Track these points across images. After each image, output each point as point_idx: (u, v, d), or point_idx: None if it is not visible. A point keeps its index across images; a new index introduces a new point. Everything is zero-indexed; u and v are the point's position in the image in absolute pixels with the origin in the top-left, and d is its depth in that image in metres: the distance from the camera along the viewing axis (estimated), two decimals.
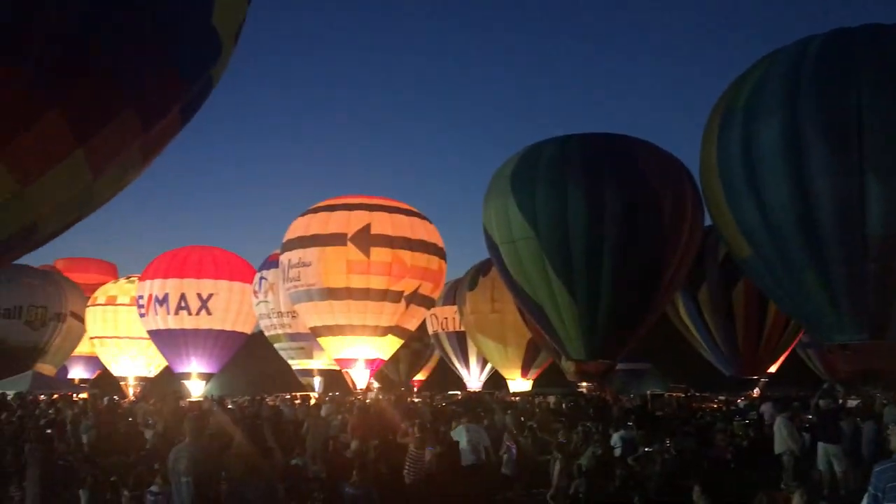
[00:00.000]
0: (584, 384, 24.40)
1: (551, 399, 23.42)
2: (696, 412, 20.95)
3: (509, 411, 18.36)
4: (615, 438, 13.66)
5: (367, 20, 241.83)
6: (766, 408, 18.16)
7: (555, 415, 18.17)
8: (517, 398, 26.30)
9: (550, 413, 18.58)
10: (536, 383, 33.59)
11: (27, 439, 12.49)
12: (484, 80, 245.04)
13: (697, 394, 29.12)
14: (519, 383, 32.86)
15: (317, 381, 33.98)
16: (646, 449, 13.02)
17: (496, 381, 34.40)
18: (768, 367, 26.91)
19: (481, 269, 32.19)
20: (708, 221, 21.50)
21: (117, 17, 7.97)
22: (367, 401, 21.79)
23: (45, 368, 34.91)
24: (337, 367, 30.10)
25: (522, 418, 17.20)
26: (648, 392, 28.56)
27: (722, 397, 27.14)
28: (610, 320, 21.13)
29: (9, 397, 22.58)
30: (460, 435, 12.10)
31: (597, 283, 20.58)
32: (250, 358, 39.24)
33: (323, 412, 17.73)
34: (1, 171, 7.88)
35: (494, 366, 33.68)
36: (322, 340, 29.33)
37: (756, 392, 27.07)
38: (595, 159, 21.00)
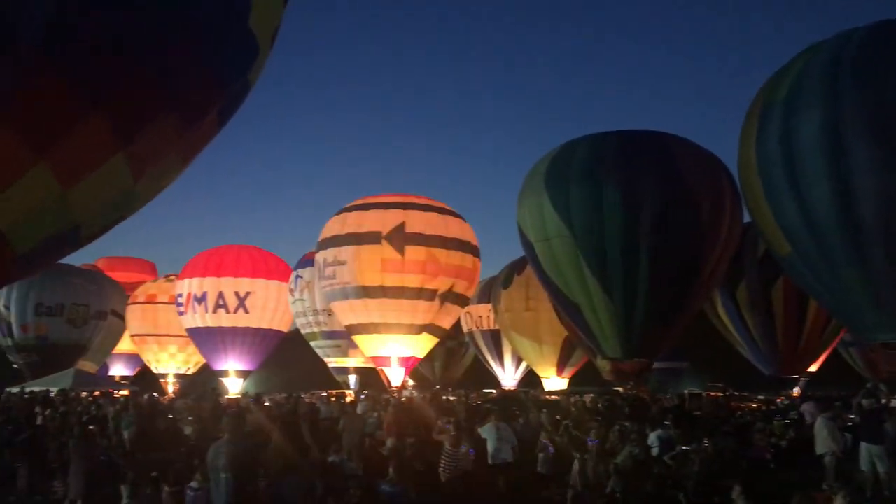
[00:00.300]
0: (620, 383, 24.21)
1: (587, 398, 23.28)
2: (734, 412, 20.69)
3: (545, 410, 18.29)
4: (652, 438, 13.52)
5: (401, 20, 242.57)
6: (806, 407, 17.87)
7: (591, 414, 18.03)
8: (553, 397, 26.18)
9: (586, 412, 18.44)
10: (572, 382, 33.41)
11: (70, 435, 12.75)
12: (518, 78, 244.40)
13: (736, 393, 28.73)
14: (554, 382, 32.71)
15: (352, 379, 34.21)
16: (683, 448, 12.89)
17: (531, 380, 34.28)
18: (809, 366, 26.46)
19: (516, 268, 32.10)
20: (747, 218, 21.20)
21: (157, 21, 8.10)
22: (403, 399, 21.88)
23: (87, 366, 35.59)
24: (372, 365, 30.26)
25: (558, 417, 17.12)
26: (686, 391, 28.26)
27: (761, 397, 26.76)
28: (646, 319, 20.95)
29: (52, 394, 23.03)
30: (489, 433, 12.11)
31: (633, 281, 20.42)
32: (286, 356, 39.61)
33: (358, 410, 17.84)
34: (45, 173, 8.06)
35: (529, 364, 33.58)
36: (357, 339, 29.50)
37: (796, 391, 26.65)
38: (631, 156, 20.82)
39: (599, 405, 20.69)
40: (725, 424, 16.35)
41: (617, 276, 20.47)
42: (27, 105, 7.71)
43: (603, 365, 23.41)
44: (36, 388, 25.48)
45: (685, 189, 20.47)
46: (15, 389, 26.03)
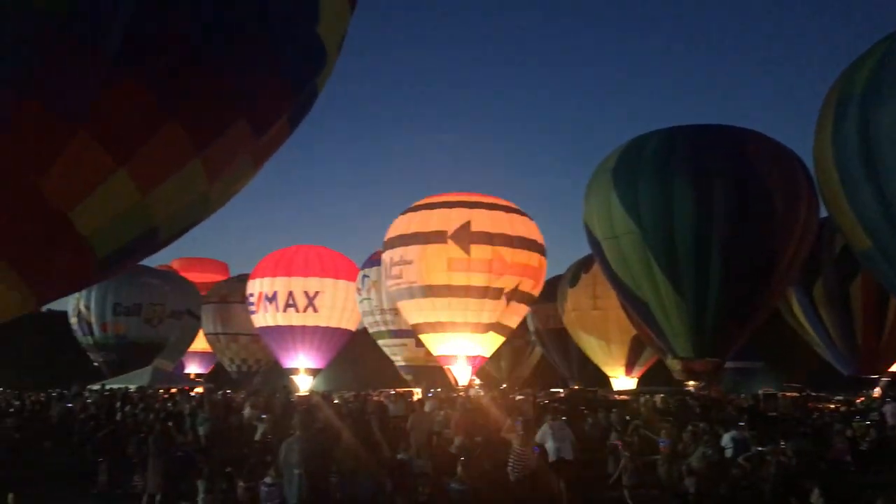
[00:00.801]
0: (692, 383, 23.73)
1: (657, 398, 22.89)
2: (812, 412, 20.05)
3: (614, 410, 18.07)
4: (726, 439, 13.23)
5: (463, 18, 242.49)
6: (889, 408, 17.20)
7: (661, 414, 17.74)
8: (622, 396, 25.83)
9: (657, 412, 18.15)
10: (641, 381, 32.84)
11: (149, 431, 13.14)
12: (585, 74, 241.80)
13: (813, 393, 27.80)
14: (623, 381, 32.24)
15: (419, 378, 34.40)
16: (758, 449, 12.56)
17: (599, 379, 33.85)
18: (890, 365, 25.46)
19: (583, 266, 31.76)
20: (823, 213, 20.51)
21: (229, 28, 8.31)
22: (470, 397, 21.89)
23: (164, 364, 36.68)
24: (439, 364, 30.37)
25: (627, 417, 16.90)
26: (760, 391, 27.48)
27: (840, 397, 25.83)
28: (718, 317, 20.47)
29: (131, 391, 23.78)
30: (545, 433, 12.04)
31: (705, 279, 19.98)
32: (354, 354, 40.10)
33: (426, 408, 17.92)
34: (124, 179, 8.36)
35: (597, 363, 33.16)
36: (423, 337, 29.66)
37: (877, 392, 25.63)
38: (702, 150, 20.39)
39: (670, 405, 20.34)
40: (803, 425, 15.90)
41: (688, 274, 20.07)
42: (108, 113, 8.00)
43: (673, 364, 22.98)
44: (115, 386, 26.34)
45: (759, 183, 19.95)
46: (96, 387, 26.99)
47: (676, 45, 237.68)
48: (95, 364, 36.55)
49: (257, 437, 15.17)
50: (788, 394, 27.37)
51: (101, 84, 7.85)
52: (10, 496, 8.64)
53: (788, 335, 26.53)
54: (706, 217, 19.79)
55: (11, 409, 18.25)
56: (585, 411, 18.18)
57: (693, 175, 20.01)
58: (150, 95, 8.05)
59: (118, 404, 19.19)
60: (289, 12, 8.94)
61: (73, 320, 36.02)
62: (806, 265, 22.30)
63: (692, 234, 19.85)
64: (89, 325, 35.61)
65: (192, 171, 8.89)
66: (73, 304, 35.84)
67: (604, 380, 33.41)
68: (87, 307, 35.44)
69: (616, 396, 26.47)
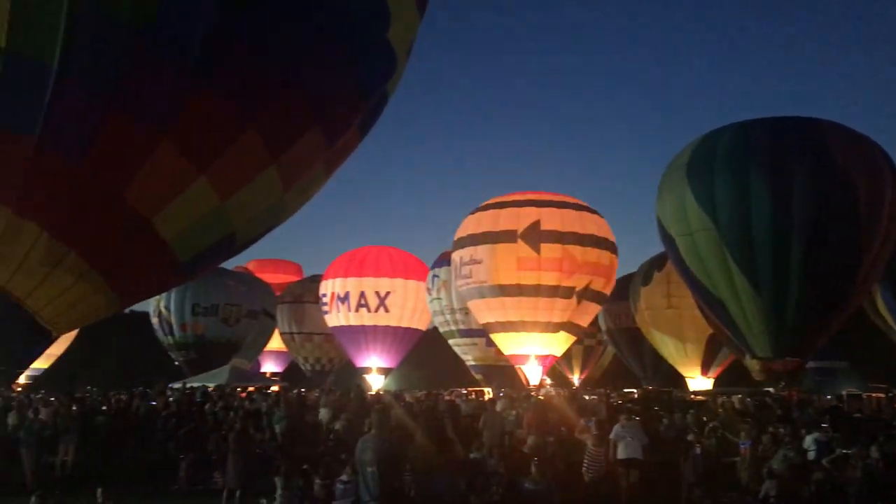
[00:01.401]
0: (771, 383, 23.05)
1: (735, 398, 22.31)
2: None
3: (690, 411, 17.70)
4: (808, 441, 12.84)
5: (537, 20, 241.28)
6: None
7: (740, 415, 17.27)
8: (698, 397, 25.27)
9: (735, 413, 17.67)
10: (718, 382, 32.09)
11: (229, 429, 13.46)
12: (653, 72, 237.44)
13: None
14: (699, 382, 31.53)
15: (489, 377, 34.38)
16: (843, 451, 12.12)
17: (674, 380, 33.20)
18: None
19: (655, 264, 31.21)
20: None
21: (305, 38, 8.50)
22: (541, 396, 21.74)
23: (241, 363, 37.57)
24: (509, 363, 30.30)
25: (704, 418, 16.52)
26: (844, 392, 26.53)
27: None
28: (799, 315, 19.81)
29: (210, 389, 24.37)
30: (616, 433, 11.89)
31: (785, 276, 19.36)
32: (425, 353, 40.35)
33: (497, 407, 17.87)
34: (205, 186, 8.66)
35: (672, 363, 32.53)
36: (494, 337, 29.64)
37: None
38: (780, 143, 19.77)
39: (749, 406, 19.79)
40: (890, 428, 15.22)
41: (766, 271, 19.48)
42: (189, 123, 8.30)
43: (752, 364, 22.35)
44: (195, 384, 27.07)
45: (841, 176, 19.22)
46: (177, 385, 27.81)
47: (747, 41, 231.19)
48: (176, 363, 37.67)
49: (331, 434, 15.36)
50: (874, 395, 26.34)
51: (182, 95, 8.14)
52: (99, 491, 9.01)
53: (874, 334, 25.53)
54: (785, 212, 19.17)
55: (104, 408, 18.93)
56: (660, 412, 17.83)
57: (770, 168, 19.43)
58: (229, 105, 8.31)
59: (198, 402, 19.69)
60: (361, 21, 9.10)
61: (155, 321, 37.19)
62: (892, 261, 21.39)
63: (771, 230, 19.26)
64: (170, 325, 36.67)
65: (269, 179, 9.15)
66: (154, 306, 37.01)
67: (679, 380, 32.76)
68: (167, 308, 36.49)
69: (692, 397, 25.91)
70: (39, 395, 23.16)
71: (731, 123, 21.49)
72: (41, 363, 37.48)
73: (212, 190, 8.73)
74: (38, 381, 38.12)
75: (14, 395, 24.85)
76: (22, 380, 37.05)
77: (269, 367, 45.73)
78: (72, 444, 14.30)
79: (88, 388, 29.65)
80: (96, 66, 8.11)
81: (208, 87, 8.12)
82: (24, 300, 9.14)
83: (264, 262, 49.96)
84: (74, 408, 17.11)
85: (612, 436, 11.85)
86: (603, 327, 35.95)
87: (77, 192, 8.64)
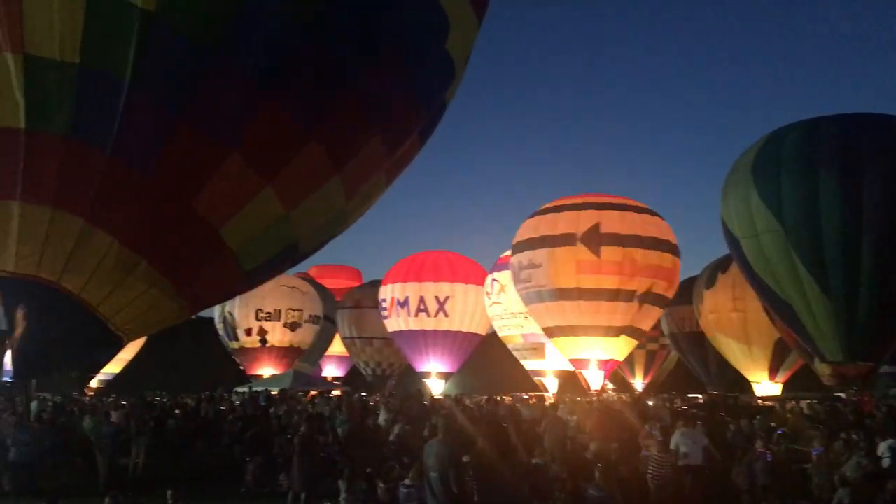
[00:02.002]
0: (842, 388, 22.34)
1: (804, 404, 21.70)
2: None
3: (757, 416, 17.28)
4: (883, 448, 12.41)
5: (590, 22, 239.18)
6: None
7: (810, 421, 16.79)
8: (766, 403, 24.66)
9: (805, 420, 17.19)
10: (786, 387, 31.26)
11: (294, 432, 13.66)
12: (714, 72, 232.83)
13: None
14: (766, 387, 30.75)
15: (550, 382, 34.16)
16: None
17: (740, 385, 32.45)
18: None
19: (720, 266, 30.59)
20: None
21: (368, 50, 8.63)
22: (604, 402, 21.49)
23: (303, 367, 38.14)
24: (570, 368, 30.04)
25: (772, 424, 16.11)
26: None
27: None
28: (871, 318, 19.13)
29: (273, 393, 24.82)
30: (676, 439, 11.67)
31: (855, 278, 18.72)
32: (485, 358, 40.32)
33: (559, 413, 17.73)
34: (271, 197, 8.86)
35: (738, 368, 31.81)
36: (555, 341, 29.43)
37: None
38: (851, 141, 19.13)
39: (819, 412, 19.23)
40: None
41: (836, 272, 18.88)
42: (257, 135, 8.51)
43: (822, 369, 21.71)
44: (259, 388, 27.59)
45: None
46: (241, 389, 28.40)
47: (811, 38, 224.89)
48: (241, 367, 38.44)
49: (392, 438, 15.46)
50: None
51: (250, 108, 8.34)
52: (169, 493, 9.26)
53: None
54: (856, 211, 18.56)
55: (177, 411, 19.45)
56: (727, 418, 17.45)
57: (840, 167, 18.83)
58: (295, 117, 8.50)
59: (263, 406, 20.06)
60: (421, 31, 9.20)
61: (220, 326, 38.04)
62: None
63: (840, 231, 18.67)
64: (234, 330, 37.50)
65: (332, 189, 9.31)
66: (219, 311, 37.82)
67: (745, 385, 32.02)
68: (231, 313, 37.31)
69: (759, 402, 25.31)
70: (111, 399, 23.90)
71: (800, 121, 20.93)
72: (112, 368, 38.70)
73: (277, 200, 8.91)
74: (110, 385, 39.39)
75: (87, 398, 25.79)
76: (94, 384, 38.45)
77: (331, 371, 46.31)
78: (143, 446, 14.75)
79: (157, 392, 30.45)
80: (167, 80, 8.38)
81: (275, 99, 8.30)
82: (96, 307, 9.45)
83: (325, 267, 50.62)
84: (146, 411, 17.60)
85: (672, 442, 11.68)
86: (666, 331, 35.38)
87: (148, 203, 8.92)
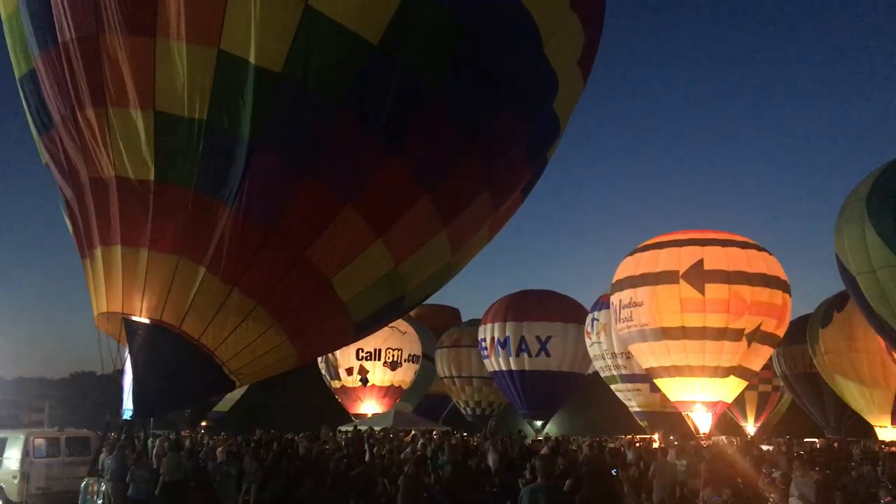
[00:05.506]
0: None
1: None
2: None
3: (881, 463, 16.29)
4: None
5: (693, 56, 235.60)
6: None
7: None
8: (891, 448, 23.17)
9: None
10: None
11: (398, 472, 13.74)
12: (820, 105, 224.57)
13: None
14: (890, 432, 28.92)
15: (655, 424, 33.15)
16: None
17: (861, 429, 30.65)
18: None
19: (835, 304, 29.22)
20: None
21: (486, 110, 8.85)
22: (714, 446, 20.72)
23: (404, 406, 38.43)
24: (676, 410, 29.12)
25: None
26: None
27: None
28: None
29: (376, 432, 25.06)
30: (794, 488, 11.14)
31: None
32: (587, 398, 39.61)
33: (668, 457, 17.21)
34: (382, 251, 9.13)
35: (857, 411, 30.09)
36: (659, 382, 28.65)
37: None
38: None
39: None
40: None
41: None
42: (374, 189, 8.80)
43: None
44: (362, 427, 27.92)
45: None
46: (345, 428, 28.82)
47: None
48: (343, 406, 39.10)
49: (496, 480, 15.32)
50: None
51: (370, 163, 8.65)
52: None
53: None
54: None
55: (289, 450, 19.93)
56: (851, 464, 16.52)
57: None
58: (410, 173, 8.76)
59: (367, 445, 20.29)
60: (532, 91, 9.37)
61: (322, 365, 38.89)
62: None
63: None
64: (336, 369, 38.23)
65: (439, 243, 9.52)
66: None
67: (867, 429, 30.22)
68: (333, 353, 38.09)
69: (883, 448, 23.81)
70: (221, 436, 24.71)
71: None
72: (222, 407, 40.13)
73: (388, 253, 9.16)
74: (220, 423, 40.78)
75: (199, 436, 26.75)
76: (204, 423, 39.96)
77: (431, 410, 46.41)
78: (255, 483, 15.16)
79: (264, 430, 31.28)
80: (290, 136, 8.81)
81: (393, 154, 8.58)
82: (214, 351, 9.88)
83: (424, 307, 51.04)
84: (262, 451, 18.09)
85: (791, 491, 11.17)
86: (778, 372, 33.89)
87: (266, 253, 9.34)
